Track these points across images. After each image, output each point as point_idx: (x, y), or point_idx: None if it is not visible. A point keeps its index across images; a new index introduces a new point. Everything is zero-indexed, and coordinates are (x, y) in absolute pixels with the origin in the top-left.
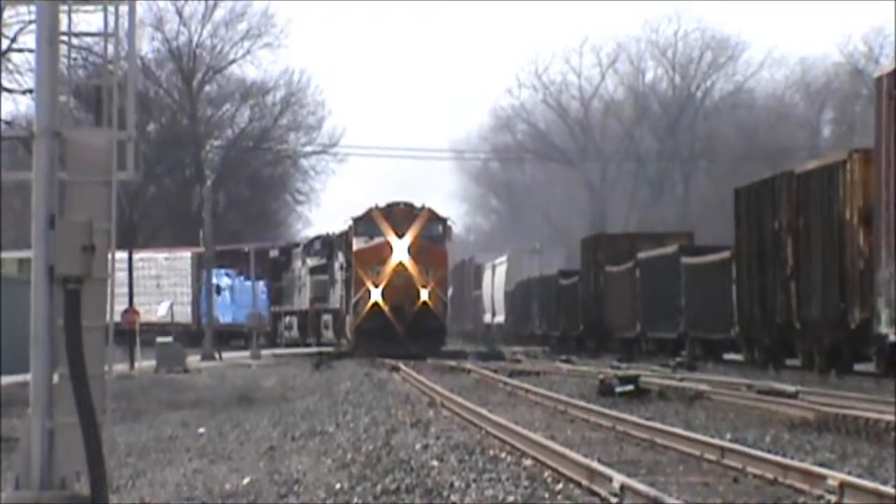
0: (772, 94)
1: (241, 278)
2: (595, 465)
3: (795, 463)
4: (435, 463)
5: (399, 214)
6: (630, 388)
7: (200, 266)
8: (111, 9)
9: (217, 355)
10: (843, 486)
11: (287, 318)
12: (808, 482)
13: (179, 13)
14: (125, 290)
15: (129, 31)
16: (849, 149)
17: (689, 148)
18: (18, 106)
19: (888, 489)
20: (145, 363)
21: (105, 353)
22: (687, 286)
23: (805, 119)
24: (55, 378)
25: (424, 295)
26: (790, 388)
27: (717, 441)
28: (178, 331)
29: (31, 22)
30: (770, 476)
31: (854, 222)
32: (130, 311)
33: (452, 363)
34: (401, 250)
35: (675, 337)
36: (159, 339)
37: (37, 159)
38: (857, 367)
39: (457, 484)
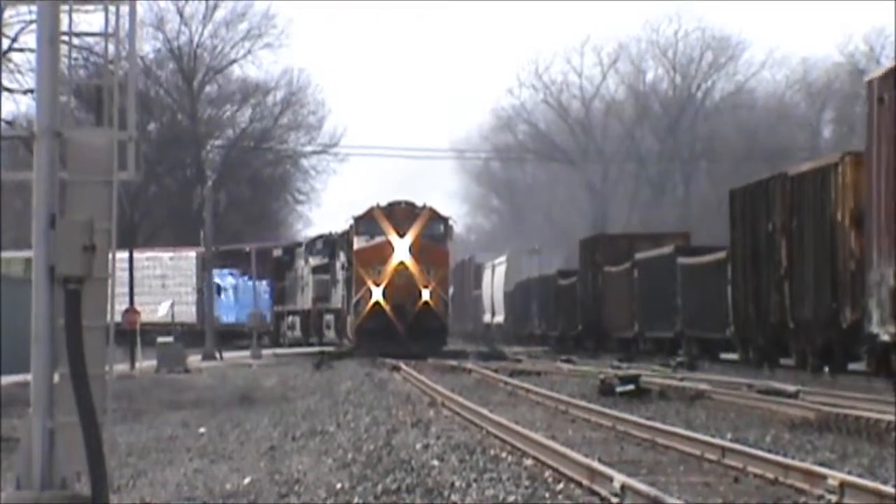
0: (772, 95)
1: (245, 278)
2: (596, 464)
3: (796, 463)
4: (436, 463)
5: (400, 214)
6: (631, 387)
7: (205, 266)
8: (112, 9)
9: (218, 355)
10: (843, 485)
11: (290, 318)
12: (808, 482)
13: (180, 13)
14: (126, 289)
15: (129, 31)
16: (841, 151)
17: (690, 148)
18: (19, 106)
19: (888, 489)
20: (146, 363)
21: (106, 352)
22: (683, 286)
23: (805, 119)
24: (56, 378)
25: (426, 294)
26: (791, 388)
27: (717, 441)
28: (183, 330)
29: (31, 22)
30: (771, 476)
31: (846, 224)
32: (131, 310)
33: (453, 363)
34: (402, 250)
35: (672, 336)
36: (160, 339)
37: (37, 159)
38: (852, 366)
39: (457, 484)
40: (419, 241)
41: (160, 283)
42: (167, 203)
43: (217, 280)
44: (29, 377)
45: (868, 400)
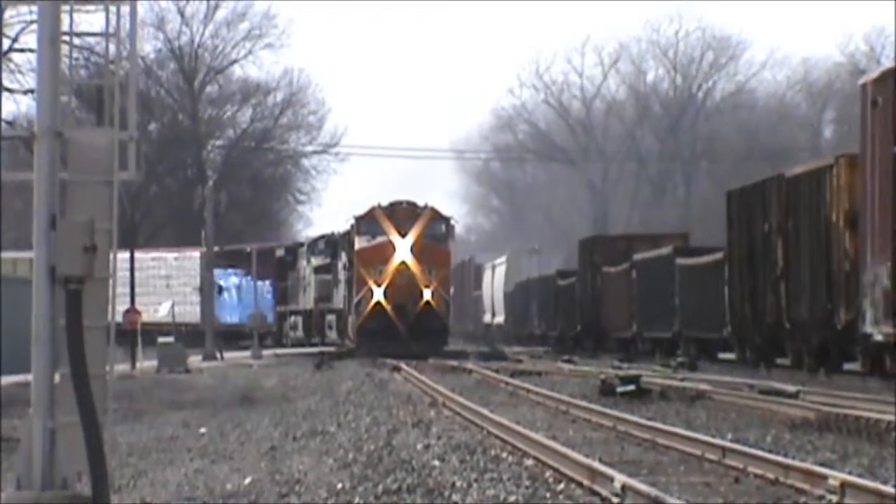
0: (773, 95)
1: (248, 278)
2: (596, 465)
3: (797, 463)
4: (436, 463)
5: (402, 213)
6: (631, 388)
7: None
8: (112, 9)
9: (218, 355)
10: (844, 485)
11: (292, 318)
12: (809, 482)
13: (181, 13)
14: (128, 290)
15: (130, 31)
16: (841, 151)
17: (691, 148)
18: (20, 106)
19: (889, 489)
20: (147, 363)
21: (106, 352)
22: (681, 287)
23: (806, 119)
24: (57, 378)
25: (427, 294)
26: (791, 388)
27: (718, 441)
28: (187, 331)
29: (32, 22)
30: (771, 476)
31: (840, 225)
32: (132, 311)
33: (454, 363)
34: (403, 249)
35: (670, 337)
36: (161, 339)
37: (38, 159)
38: (847, 366)
39: (458, 484)
40: (421, 240)
41: (165, 283)
42: (168, 203)
43: (221, 280)
44: (30, 377)
45: (868, 400)
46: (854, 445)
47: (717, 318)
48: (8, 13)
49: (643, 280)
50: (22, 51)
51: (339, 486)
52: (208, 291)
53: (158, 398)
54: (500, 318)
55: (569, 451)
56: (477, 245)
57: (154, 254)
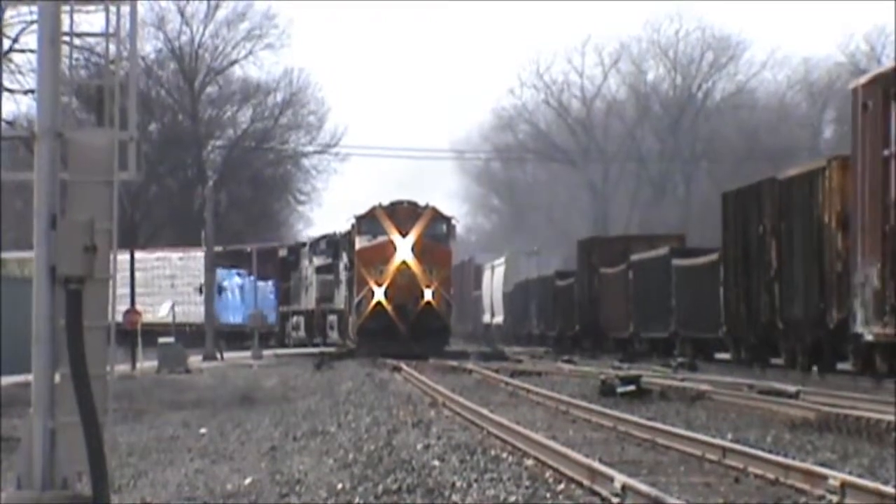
0: (773, 95)
1: (251, 279)
2: (596, 465)
3: (797, 463)
4: (436, 463)
5: (402, 213)
6: (631, 388)
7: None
8: (113, 9)
9: (219, 355)
10: (844, 486)
11: (294, 318)
12: (809, 482)
13: (181, 13)
14: (128, 290)
15: (130, 32)
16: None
17: (691, 148)
18: (20, 106)
19: (889, 489)
20: (147, 363)
21: (107, 353)
22: (677, 287)
23: (807, 119)
24: (57, 378)
25: (428, 294)
26: (791, 389)
27: (718, 441)
28: (191, 331)
29: (32, 22)
30: (771, 476)
31: (833, 226)
32: (132, 311)
33: (454, 363)
34: (404, 249)
35: (667, 337)
36: (161, 340)
37: (38, 159)
38: (841, 365)
39: (458, 484)
40: (421, 240)
41: (169, 283)
42: (168, 203)
43: (225, 281)
44: (30, 377)
45: (868, 400)
46: (854, 445)
47: (712, 319)
48: (8, 13)
49: (640, 281)
50: (22, 51)
51: (340, 486)
52: (207, 291)
53: (159, 398)
54: (499, 319)
55: (569, 452)
56: (477, 245)
57: (159, 254)
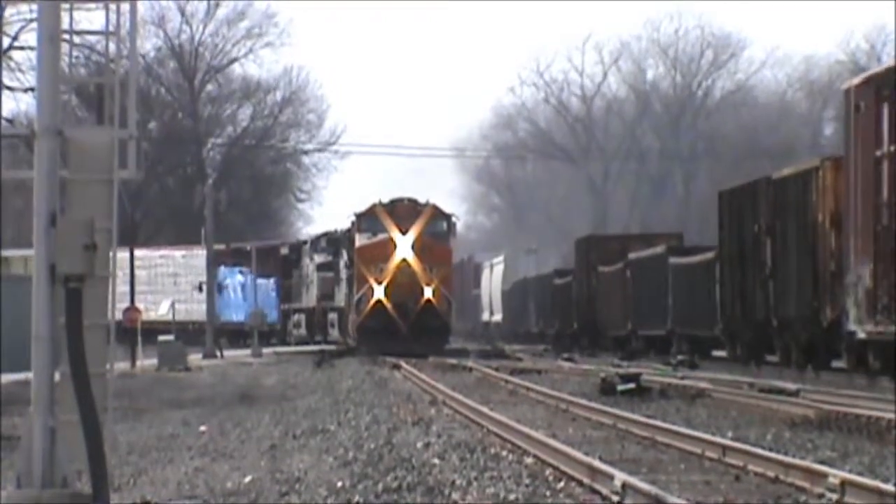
0: (773, 93)
1: (252, 276)
2: (596, 463)
3: (797, 461)
4: (436, 461)
5: (403, 211)
6: (631, 386)
7: (217, 264)
8: (112, 7)
9: (219, 353)
10: (844, 484)
11: (296, 316)
12: (809, 480)
13: (181, 11)
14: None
15: (130, 30)
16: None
17: (691, 147)
18: (20, 104)
19: (889, 487)
20: (147, 361)
21: (106, 351)
22: (674, 286)
23: (807, 118)
24: (57, 376)
25: (428, 292)
26: (791, 387)
27: (718, 439)
28: (195, 328)
29: (32, 20)
30: (771, 474)
31: (826, 226)
32: (132, 309)
33: (454, 361)
34: (404, 247)
35: (664, 334)
36: (161, 338)
37: (38, 158)
38: (835, 363)
39: (458, 482)
40: (422, 238)
41: (172, 280)
42: (168, 201)
43: (227, 279)
44: (30, 375)
45: (868, 398)
46: (854, 444)
47: (708, 317)
48: (8, 11)
49: (637, 279)
50: (22, 49)
51: (340, 484)
52: (208, 289)
53: (158, 396)
54: (497, 317)
55: (569, 450)
56: (477, 244)
57: (162, 251)
